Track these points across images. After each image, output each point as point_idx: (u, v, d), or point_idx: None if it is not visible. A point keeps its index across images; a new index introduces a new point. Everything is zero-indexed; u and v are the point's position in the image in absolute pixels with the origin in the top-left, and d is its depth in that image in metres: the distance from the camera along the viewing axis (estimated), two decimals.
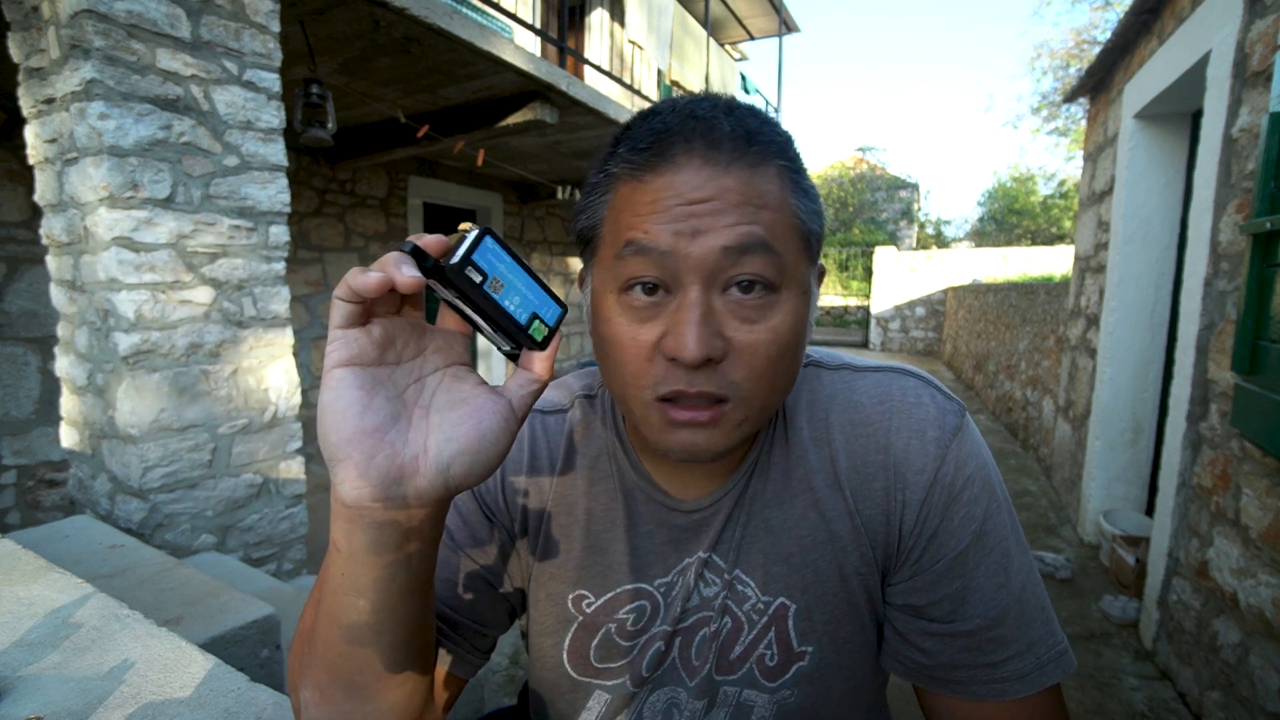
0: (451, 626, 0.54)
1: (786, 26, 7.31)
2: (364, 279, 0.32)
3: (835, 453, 0.52)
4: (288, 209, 2.06)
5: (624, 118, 3.83)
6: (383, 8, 2.33)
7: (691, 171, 0.42)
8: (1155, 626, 2.11)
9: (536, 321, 0.38)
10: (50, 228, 1.90)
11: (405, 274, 0.32)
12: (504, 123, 3.41)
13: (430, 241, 0.35)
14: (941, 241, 21.78)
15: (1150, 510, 2.88)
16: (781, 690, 0.54)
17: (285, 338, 2.09)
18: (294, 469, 2.15)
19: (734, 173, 0.42)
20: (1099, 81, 3.45)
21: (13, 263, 2.91)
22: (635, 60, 6.23)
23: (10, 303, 2.91)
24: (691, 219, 0.41)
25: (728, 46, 7.93)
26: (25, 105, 1.86)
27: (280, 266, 2.07)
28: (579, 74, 5.29)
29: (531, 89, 3.29)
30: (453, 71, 3.02)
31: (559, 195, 5.31)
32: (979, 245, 20.16)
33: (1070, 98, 3.85)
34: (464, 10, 2.93)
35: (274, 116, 2.01)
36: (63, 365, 2.01)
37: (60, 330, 2.01)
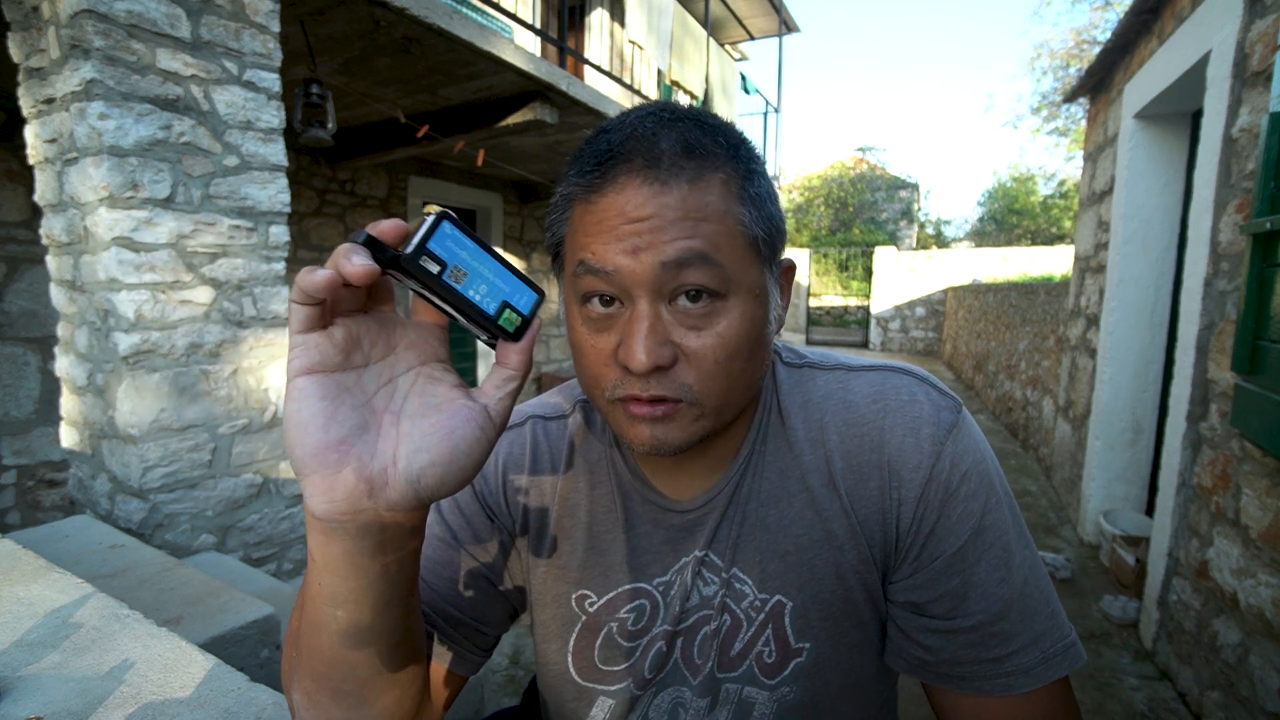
0: (452, 625, 0.54)
1: (786, 26, 7.31)
2: (313, 278, 0.31)
3: (830, 453, 0.53)
4: (288, 209, 2.06)
5: None
6: (383, 8, 2.33)
7: (633, 191, 0.43)
8: (1155, 626, 2.11)
9: (508, 311, 0.36)
10: (50, 228, 1.90)
11: (355, 264, 0.31)
12: (504, 123, 3.41)
13: (387, 229, 0.33)
14: (941, 241, 21.78)
15: (1150, 510, 2.88)
16: (781, 687, 0.55)
17: (285, 338, 2.09)
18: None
19: (673, 189, 0.43)
20: (1099, 81, 3.45)
21: (13, 263, 2.91)
22: (635, 60, 6.23)
23: (10, 303, 2.91)
24: (633, 237, 0.43)
25: (728, 46, 7.93)
26: (25, 105, 1.86)
27: (280, 266, 2.07)
28: (579, 74, 5.29)
29: (531, 89, 3.29)
30: (453, 71, 3.02)
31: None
32: (979, 245, 20.17)
33: (1070, 98, 3.85)
34: (464, 10, 2.93)
35: (274, 116, 2.01)
36: (63, 365, 2.01)
37: (60, 330, 2.01)
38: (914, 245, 18.46)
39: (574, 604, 0.57)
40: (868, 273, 12.85)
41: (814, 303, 14.70)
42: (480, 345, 5.87)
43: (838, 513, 0.52)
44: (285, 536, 2.14)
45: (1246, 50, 1.80)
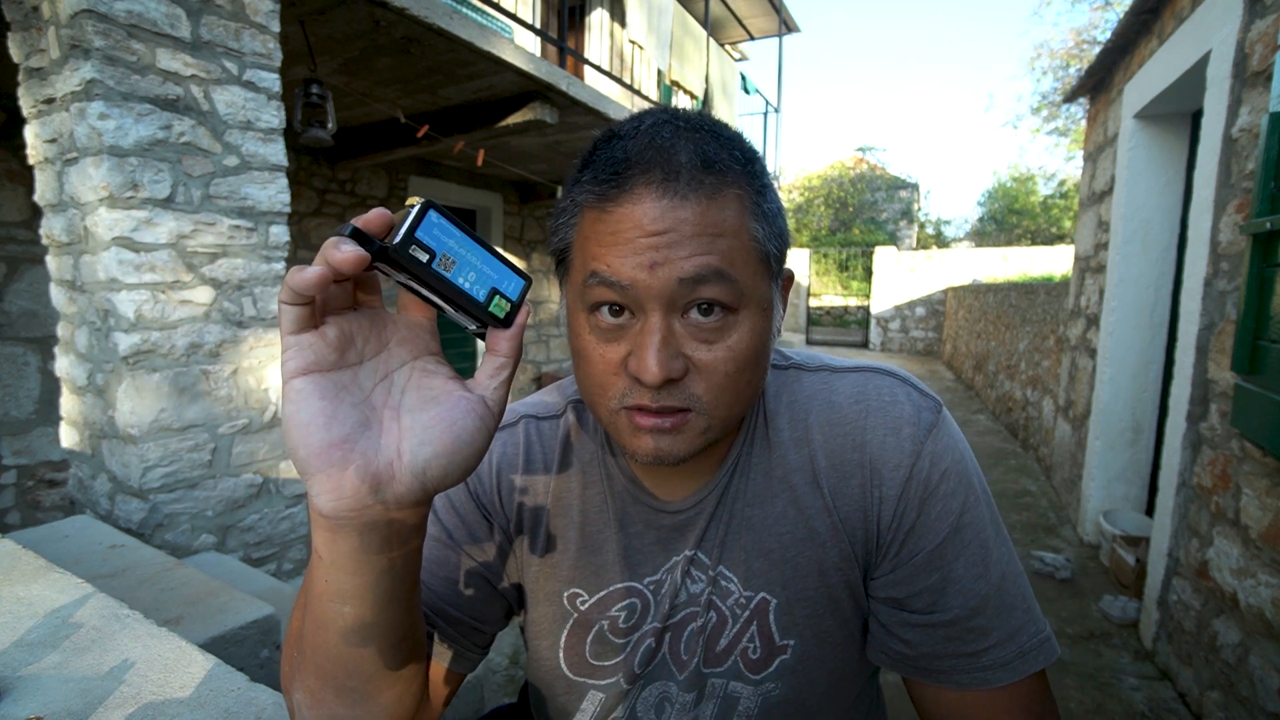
0: (451, 623, 0.55)
1: (786, 26, 7.30)
2: (303, 276, 0.30)
3: (814, 452, 0.53)
4: (288, 209, 2.06)
5: (624, 118, 3.83)
6: (383, 8, 2.33)
7: (649, 203, 0.43)
8: (1155, 626, 2.11)
9: (497, 298, 0.36)
10: (50, 228, 1.90)
11: (344, 251, 0.30)
12: (504, 123, 3.41)
13: (373, 220, 0.33)
14: (941, 241, 21.78)
15: (1150, 510, 2.88)
16: (766, 683, 0.56)
17: None
18: (294, 469, 2.15)
19: (690, 203, 0.43)
20: (1099, 81, 3.45)
21: (13, 263, 2.91)
22: (635, 60, 6.23)
23: (10, 303, 2.91)
24: (650, 251, 0.43)
25: (728, 46, 7.93)
26: (25, 105, 1.86)
27: (280, 266, 2.07)
28: (579, 74, 5.29)
29: (531, 89, 3.29)
30: (453, 71, 3.02)
31: (559, 195, 5.31)
32: (979, 245, 20.16)
33: (1070, 98, 3.85)
34: (464, 10, 2.93)
35: (274, 116, 2.01)
36: (63, 365, 2.01)
37: (60, 330, 2.01)
38: (914, 245, 18.45)
39: (565, 602, 0.57)
40: (868, 273, 12.85)
41: (814, 303, 14.69)
42: (480, 344, 5.87)
43: (820, 511, 0.53)
44: (285, 536, 2.14)
45: (1246, 50, 1.80)
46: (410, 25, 2.48)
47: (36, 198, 1.92)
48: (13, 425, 2.95)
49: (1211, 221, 1.93)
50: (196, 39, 1.81)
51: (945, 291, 11.01)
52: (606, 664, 0.57)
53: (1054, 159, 22.41)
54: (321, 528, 0.36)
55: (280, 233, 2.05)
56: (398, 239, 0.32)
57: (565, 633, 0.58)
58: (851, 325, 13.90)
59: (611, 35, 6.02)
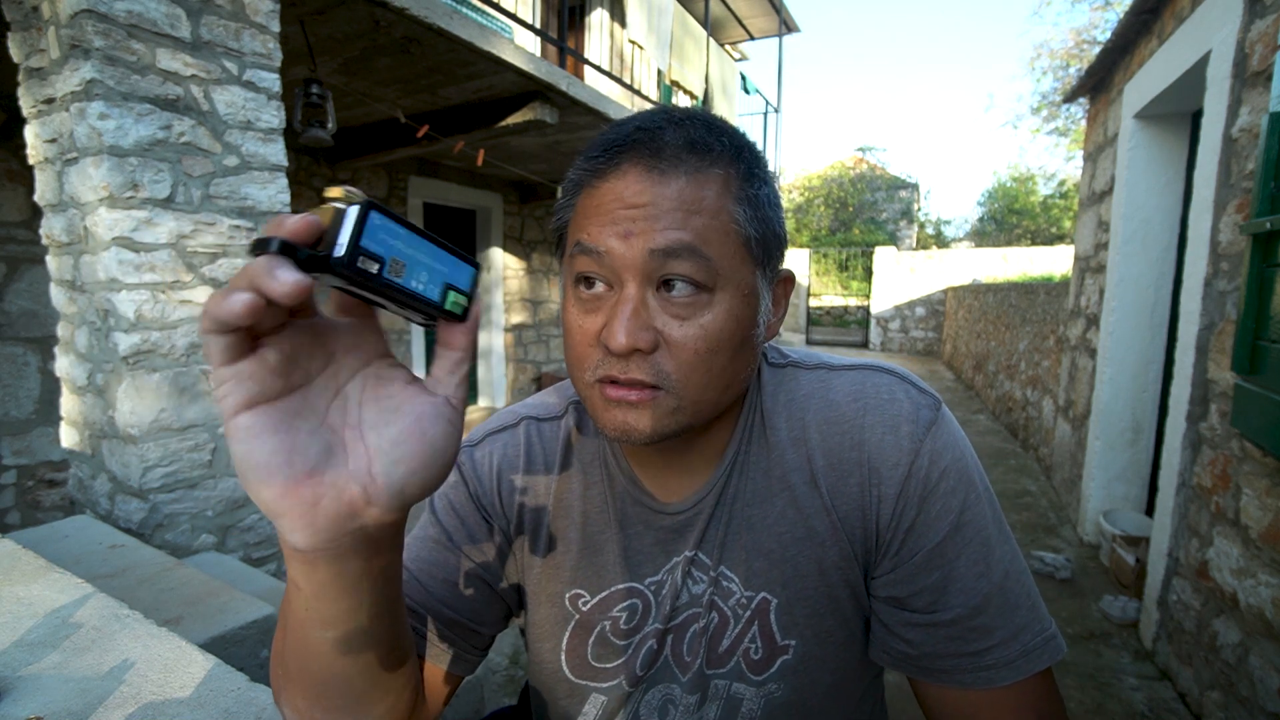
0: (449, 626, 0.55)
1: (786, 26, 7.30)
2: (229, 306, 0.26)
3: (812, 451, 0.53)
4: (288, 209, 2.06)
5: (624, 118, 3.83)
6: (383, 8, 2.33)
7: (633, 178, 0.45)
8: (1155, 626, 2.11)
9: (452, 293, 0.33)
10: (50, 228, 1.90)
11: (283, 281, 0.26)
12: (504, 123, 3.41)
13: (297, 227, 0.28)
14: (941, 241, 21.78)
15: (1150, 510, 2.88)
16: (768, 684, 0.55)
17: None
18: None
19: (671, 180, 0.44)
20: (1099, 81, 3.45)
21: (13, 263, 2.91)
22: (635, 60, 6.23)
23: (10, 303, 2.91)
24: (627, 222, 0.44)
25: (728, 46, 7.93)
26: (25, 105, 1.86)
27: None
28: (579, 74, 5.29)
29: (531, 89, 3.29)
30: (453, 71, 3.02)
31: (559, 195, 5.30)
32: (979, 245, 20.16)
33: (1070, 98, 3.85)
34: (464, 10, 2.93)
35: (274, 116, 2.01)
36: (63, 365, 2.01)
37: (60, 330, 2.01)
38: (914, 245, 18.45)
39: (567, 603, 0.57)
40: (868, 273, 12.85)
41: (814, 303, 14.69)
42: (480, 344, 5.87)
43: (819, 510, 0.53)
44: None
45: (1246, 50, 1.80)
46: (410, 25, 2.48)
47: (36, 198, 1.92)
48: (13, 425, 2.95)
49: (1211, 221, 1.93)
50: (196, 39, 1.81)
51: (945, 291, 11.01)
52: (608, 666, 0.57)
53: (1054, 159, 22.43)
54: (297, 561, 0.33)
55: None
56: (342, 252, 0.28)
57: (567, 634, 0.57)
58: (851, 325, 13.90)
59: (611, 35, 6.02)
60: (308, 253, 0.27)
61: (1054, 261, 10.55)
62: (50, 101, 1.77)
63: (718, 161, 0.46)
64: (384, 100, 3.39)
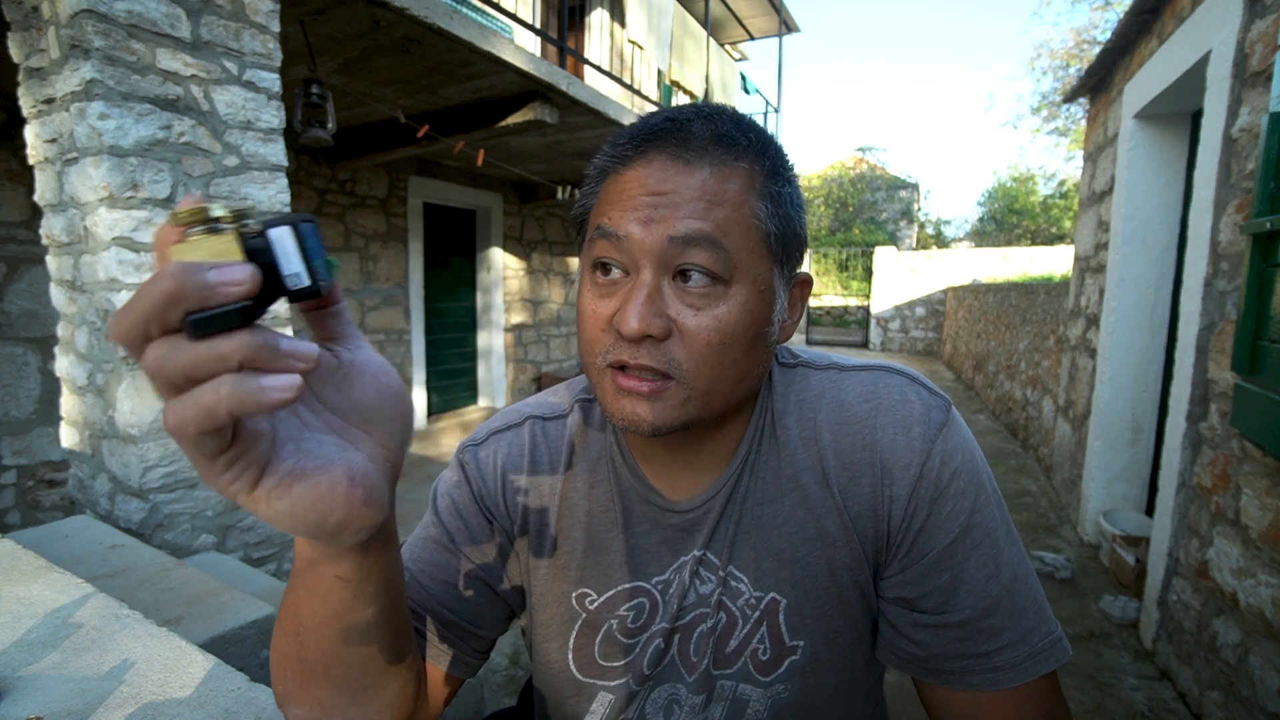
0: (448, 627, 0.55)
1: (786, 26, 7.30)
2: (208, 415, 0.23)
3: (823, 451, 0.53)
4: (288, 209, 2.06)
5: (624, 118, 3.83)
6: (383, 8, 2.33)
7: (658, 166, 0.45)
8: (1155, 626, 2.11)
9: (327, 258, 0.30)
10: (50, 228, 1.90)
11: (285, 386, 0.24)
12: (504, 123, 3.41)
13: (249, 284, 0.23)
14: (941, 241, 21.78)
15: (1150, 510, 2.88)
16: (775, 685, 0.55)
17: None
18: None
19: (695, 170, 0.45)
20: (1099, 81, 3.45)
21: (13, 263, 2.91)
22: (635, 60, 6.23)
23: (10, 303, 2.91)
24: (648, 208, 0.45)
25: (728, 46, 7.92)
26: (25, 105, 1.86)
27: None
28: (579, 74, 5.29)
29: (531, 89, 3.29)
30: (453, 71, 3.02)
31: (559, 195, 5.31)
32: (979, 245, 20.16)
33: (1070, 98, 3.85)
34: (464, 10, 2.93)
35: (274, 116, 2.01)
36: (63, 365, 2.01)
37: (60, 330, 2.01)
38: (914, 245, 18.45)
39: (574, 602, 0.57)
40: (868, 273, 12.85)
41: (814, 303, 14.69)
42: (480, 344, 5.87)
43: (830, 510, 0.53)
44: (285, 537, 2.14)
45: (1246, 50, 1.80)
46: (410, 25, 2.48)
47: (36, 198, 1.92)
48: (13, 425, 2.94)
49: (1211, 221, 1.93)
50: (196, 39, 1.81)
51: (945, 291, 11.01)
52: (615, 665, 0.57)
53: (1054, 159, 22.41)
54: (353, 554, 0.36)
55: None
56: (309, 281, 0.26)
57: (574, 633, 0.57)
58: (851, 325, 13.90)
59: (611, 35, 6.02)
60: (241, 305, 0.23)
61: (1054, 261, 10.55)
62: (50, 101, 1.77)
63: (743, 156, 0.46)
64: (384, 100, 3.39)
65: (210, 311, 0.23)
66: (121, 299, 1.72)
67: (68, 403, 2.03)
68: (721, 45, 7.15)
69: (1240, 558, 1.64)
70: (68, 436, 2.05)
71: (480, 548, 0.57)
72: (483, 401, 5.96)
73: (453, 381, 5.66)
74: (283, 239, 0.25)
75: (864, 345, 12.06)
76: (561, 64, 3.96)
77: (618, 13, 5.89)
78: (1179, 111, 2.70)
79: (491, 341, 5.82)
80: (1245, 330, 1.53)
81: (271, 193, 2.02)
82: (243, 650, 1.26)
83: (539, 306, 6.32)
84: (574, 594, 0.57)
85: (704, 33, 5.37)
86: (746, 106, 6.76)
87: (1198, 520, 1.89)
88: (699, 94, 5.46)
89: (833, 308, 14.87)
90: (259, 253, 0.25)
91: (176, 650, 0.79)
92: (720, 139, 0.46)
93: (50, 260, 1.95)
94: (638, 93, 4.48)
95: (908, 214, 18.86)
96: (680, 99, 5.94)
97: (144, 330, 0.23)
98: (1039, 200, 18.59)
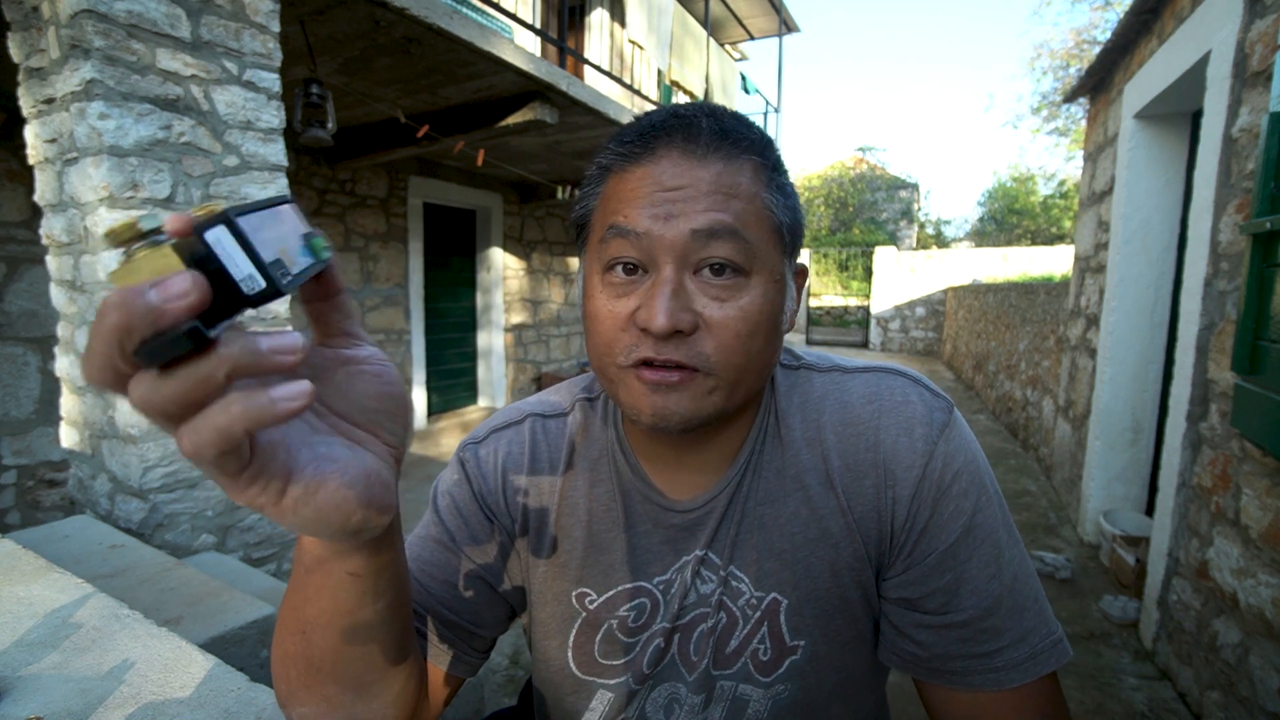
0: (449, 627, 0.55)
1: (786, 26, 7.30)
2: (224, 437, 0.23)
3: (827, 452, 0.53)
4: None
5: (624, 118, 3.83)
6: (383, 8, 2.33)
7: (669, 162, 0.45)
8: (1155, 626, 2.11)
9: (314, 241, 0.29)
10: (50, 228, 1.90)
11: (295, 395, 0.24)
12: (504, 123, 3.41)
13: (188, 300, 0.21)
14: (941, 241, 21.78)
15: (1150, 510, 2.88)
16: (776, 685, 0.55)
17: None
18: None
19: (708, 164, 0.45)
20: (1099, 81, 3.45)
21: (13, 263, 2.91)
22: (635, 60, 6.23)
23: (10, 303, 2.91)
24: (666, 204, 0.45)
25: (728, 46, 7.92)
26: (25, 105, 1.86)
27: None
28: (579, 74, 5.29)
29: (531, 89, 3.29)
30: (453, 71, 3.02)
31: (559, 195, 5.31)
32: (979, 245, 20.16)
33: (1070, 98, 3.85)
34: (464, 10, 2.93)
35: (274, 116, 2.01)
36: (63, 365, 2.01)
37: (60, 330, 2.01)
38: (914, 245, 18.45)
39: (574, 601, 0.57)
40: (868, 273, 12.85)
41: (814, 303, 14.70)
42: (480, 344, 5.87)
43: (834, 511, 0.53)
44: (285, 536, 2.14)
45: (1246, 50, 1.80)
46: (410, 25, 2.48)
47: (36, 198, 1.92)
48: (13, 425, 2.94)
49: (1211, 221, 1.93)
50: (196, 39, 1.81)
51: (945, 291, 11.00)
52: (615, 663, 0.57)
53: (1054, 159, 22.40)
54: (366, 549, 0.36)
55: None
56: (264, 284, 0.23)
57: (574, 632, 0.57)
58: (851, 325, 13.89)
59: (611, 35, 6.02)
60: (193, 324, 0.21)
61: (1054, 261, 10.55)
62: (50, 101, 1.77)
63: (750, 150, 0.47)
64: (384, 100, 3.39)
65: (161, 339, 0.21)
66: None
67: (68, 403, 2.03)
68: (721, 45, 7.15)
69: (1240, 558, 1.64)
70: (68, 436, 2.05)
71: (481, 547, 0.57)
72: (483, 401, 5.96)
73: (453, 381, 5.66)
74: (221, 240, 0.22)
75: (864, 345, 12.06)
76: (561, 64, 3.96)
77: (618, 13, 5.89)
78: (1179, 111, 2.70)
79: (491, 341, 5.82)
80: (1245, 330, 1.53)
81: (271, 193, 2.02)
82: (243, 650, 1.26)
83: (539, 306, 6.32)
84: (573, 593, 0.57)
85: (704, 33, 5.37)
86: (746, 106, 6.76)
87: (1198, 520, 1.89)
88: (699, 94, 5.46)
89: (833, 308, 14.87)
90: (207, 259, 0.22)
91: (176, 650, 0.79)
92: (726, 134, 0.46)
93: (50, 260, 1.95)
94: (638, 93, 4.48)
95: (908, 214, 18.87)
96: (680, 99, 5.94)
97: (113, 371, 0.22)
98: (1039, 200, 18.60)
